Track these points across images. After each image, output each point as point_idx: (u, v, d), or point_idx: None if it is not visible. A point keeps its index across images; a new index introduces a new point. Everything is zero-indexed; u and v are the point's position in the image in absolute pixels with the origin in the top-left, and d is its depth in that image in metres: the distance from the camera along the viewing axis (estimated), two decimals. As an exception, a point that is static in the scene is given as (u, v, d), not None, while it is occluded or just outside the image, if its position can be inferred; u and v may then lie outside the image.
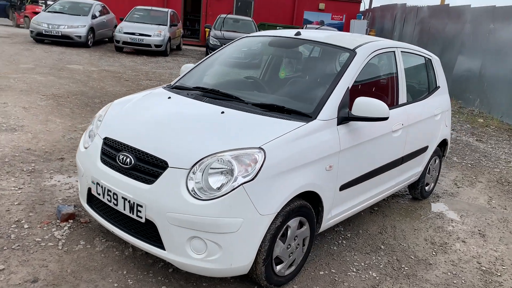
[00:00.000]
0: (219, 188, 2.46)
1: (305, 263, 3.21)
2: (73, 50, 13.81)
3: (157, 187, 2.55)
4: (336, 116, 3.05)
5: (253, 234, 2.52)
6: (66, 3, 15.85)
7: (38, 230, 3.27)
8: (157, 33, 14.65)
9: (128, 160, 2.71)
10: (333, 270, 3.21)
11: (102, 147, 2.94)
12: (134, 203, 2.62)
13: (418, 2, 17.56)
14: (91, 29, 14.99)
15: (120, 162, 2.75)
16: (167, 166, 2.56)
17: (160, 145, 2.69)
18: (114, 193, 2.72)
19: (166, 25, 15.48)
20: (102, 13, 16.27)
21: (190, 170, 2.51)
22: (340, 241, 3.66)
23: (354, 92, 3.64)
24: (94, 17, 15.37)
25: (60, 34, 14.18)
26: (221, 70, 3.85)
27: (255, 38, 4.07)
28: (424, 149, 4.36)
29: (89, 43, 14.82)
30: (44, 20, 14.34)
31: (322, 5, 23.00)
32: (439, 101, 4.55)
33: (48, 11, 15.25)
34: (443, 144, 4.90)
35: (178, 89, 3.53)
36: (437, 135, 4.53)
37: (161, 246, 2.59)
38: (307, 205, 2.88)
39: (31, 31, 14.36)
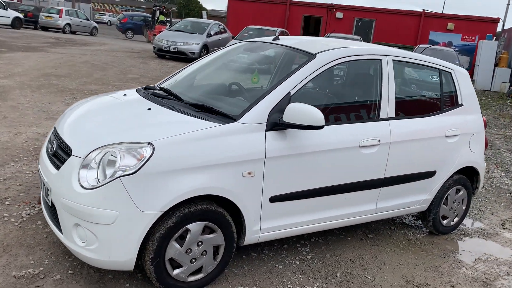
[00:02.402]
0: (99, 180, 2.50)
1: (233, 276, 3.04)
2: (185, 64, 15.02)
3: (60, 173, 2.69)
4: (266, 121, 2.85)
5: (131, 230, 2.49)
6: (188, 22, 17.38)
7: (14, 207, 3.65)
8: None
9: (52, 146, 2.91)
10: (255, 288, 2.97)
11: (50, 135, 3.19)
12: (46, 187, 2.80)
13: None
14: (205, 46, 16.14)
15: (48, 148, 2.96)
16: (71, 154, 2.68)
17: (75, 133, 2.83)
18: (41, 177, 2.94)
19: None
20: (218, 32, 17.41)
21: (84, 159, 2.59)
22: (293, 261, 3.36)
23: (311, 99, 3.38)
24: (209, 35, 16.55)
25: (176, 50, 15.58)
26: (196, 75, 3.85)
27: (240, 45, 4.00)
28: (429, 174, 3.78)
29: (201, 58, 15.96)
30: (164, 38, 15.91)
31: (451, 25, 21.30)
32: (459, 121, 3.90)
33: (171, 30, 16.90)
34: (470, 173, 4.18)
35: (150, 89, 3.64)
36: (451, 160, 3.88)
37: (61, 231, 2.71)
38: (218, 210, 2.74)
39: (154, 47, 16.07)
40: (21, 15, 23.92)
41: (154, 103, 3.10)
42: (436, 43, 20.95)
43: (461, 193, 4.13)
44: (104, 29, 37.21)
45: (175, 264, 2.73)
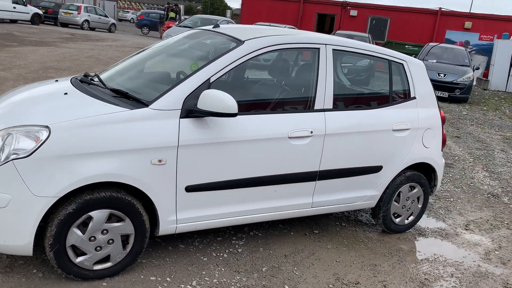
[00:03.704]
0: None
1: (151, 266, 2.98)
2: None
3: None
4: (181, 107, 2.77)
5: (24, 214, 2.45)
6: (198, 19, 17.42)
7: None
8: None
9: None
10: (168, 279, 2.90)
11: None
12: None
13: None
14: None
15: None
16: (-21, 137, 2.66)
17: None
18: None
19: None
20: (227, 28, 17.39)
21: None
22: (221, 254, 3.27)
23: (237, 87, 3.30)
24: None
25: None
26: (141, 62, 3.78)
27: (183, 33, 3.91)
28: (374, 169, 3.62)
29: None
30: (172, 33, 15.96)
31: (468, 24, 20.70)
32: (410, 115, 3.73)
33: (179, 26, 16.96)
34: (427, 170, 4.00)
35: (86, 76, 3.59)
36: (400, 156, 3.71)
37: None
38: (125, 198, 2.68)
39: (161, 43, 16.17)
40: (40, 12, 24.45)
41: (76, 89, 3.05)
42: (453, 43, 20.40)
43: (415, 190, 3.96)
44: (125, 26, 37.77)
45: (79, 252, 2.68)
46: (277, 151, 3.11)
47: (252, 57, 3.07)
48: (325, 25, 24.65)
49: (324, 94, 3.32)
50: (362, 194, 3.67)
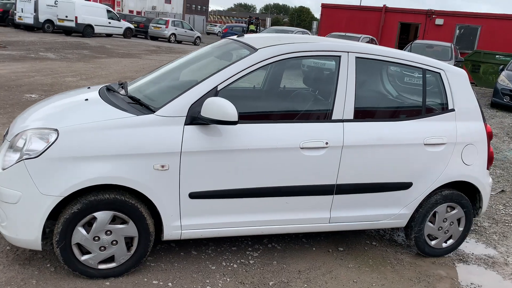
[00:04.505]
0: (10, 162, 2.67)
1: (156, 270, 3.03)
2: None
3: None
4: (186, 114, 2.81)
5: (33, 210, 2.62)
6: (273, 30, 17.57)
7: None
8: None
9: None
10: (170, 284, 2.91)
11: None
12: None
13: None
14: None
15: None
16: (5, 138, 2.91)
17: (21, 120, 3.03)
18: None
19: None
20: (302, 39, 17.34)
21: (9, 142, 2.79)
22: (232, 263, 3.23)
23: (247, 96, 3.26)
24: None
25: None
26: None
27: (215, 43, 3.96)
28: (403, 185, 3.36)
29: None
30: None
31: None
32: (446, 128, 3.41)
33: (255, 37, 17.27)
34: (470, 190, 3.63)
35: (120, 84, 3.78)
36: (433, 172, 3.41)
37: None
38: (129, 202, 2.76)
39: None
40: (132, 26, 26.31)
41: (99, 96, 3.21)
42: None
43: (455, 211, 3.60)
44: (211, 39, 39.26)
45: (85, 250, 2.80)
46: (287, 162, 3.01)
47: (265, 65, 3.02)
48: (409, 35, 23.64)
49: (344, 104, 3.16)
50: (389, 212, 3.42)
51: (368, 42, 16.45)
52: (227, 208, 2.99)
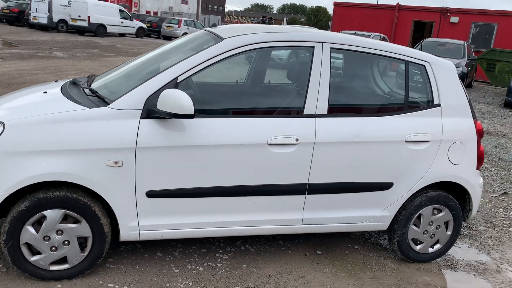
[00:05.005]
0: None
1: (115, 272, 2.87)
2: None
3: None
4: (142, 107, 2.64)
5: (-23, 207, 2.49)
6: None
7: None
8: None
9: None
10: (117, 286, 2.75)
11: None
12: None
13: None
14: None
15: None
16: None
17: None
18: None
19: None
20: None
21: None
22: (197, 267, 3.05)
23: (212, 89, 3.07)
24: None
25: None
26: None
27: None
28: (382, 186, 3.14)
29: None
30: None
31: None
32: (430, 125, 3.18)
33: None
34: (459, 191, 3.39)
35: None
36: (416, 172, 3.17)
37: None
38: (80, 200, 2.61)
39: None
40: (144, 26, 26.38)
41: (59, 89, 3.07)
42: None
43: (441, 214, 3.36)
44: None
45: (36, 251, 2.65)
46: (254, 159, 2.82)
47: (230, 56, 2.83)
48: (424, 33, 23.15)
49: (317, 98, 2.95)
50: (368, 214, 3.20)
51: (379, 40, 16.12)
52: (189, 208, 2.81)
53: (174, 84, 2.69)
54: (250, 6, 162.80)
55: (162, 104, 2.54)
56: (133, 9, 56.25)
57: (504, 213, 4.63)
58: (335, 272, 3.19)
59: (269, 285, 2.94)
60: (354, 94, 3.33)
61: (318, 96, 2.95)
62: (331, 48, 3.01)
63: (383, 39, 16.79)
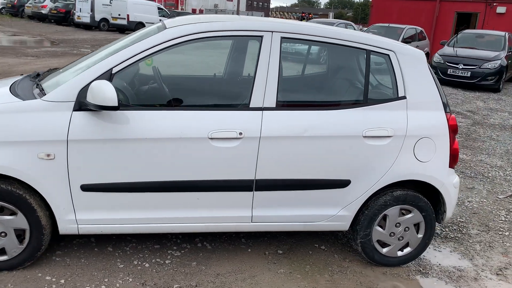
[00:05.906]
0: None
1: (58, 266, 2.87)
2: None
3: None
4: (75, 99, 2.61)
5: None
6: (314, 22, 17.06)
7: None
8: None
9: None
10: (62, 281, 2.73)
11: None
12: None
13: None
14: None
15: None
16: None
17: None
18: None
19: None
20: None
21: None
22: (144, 263, 2.99)
23: (146, 80, 2.99)
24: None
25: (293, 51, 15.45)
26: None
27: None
28: (338, 183, 2.94)
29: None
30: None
31: None
32: (393, 119, 2.94)
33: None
34: (432, 192, 3.13)
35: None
36: (377, 170, 2.95)
37: None
38: (15, 192, 2.61)
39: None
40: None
41: (10, 83, 3.09)
42: None
43: (410, 215, 3.11)
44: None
45: (-27, 242, 2.69)
46: (195, 154, 2.72)
47: (170, 46, 2.74)
48: (469, 25, 21.97)
49: (264, 90, 2.80)
50: (325, 212, 3.01)
51: (413, 34, 15.50)
52: (127, 203, 2.76)
53: (108, 76, 2.64)
54: (296, 2, 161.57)
55: (91, 96, 2.49)
56: (180, 7, 57.25)
57: (505, 216, 4.25)
58: (290, 273, 3.04)
59: (213, 284, 2.83)
60: (308, 87, 3.15)
61: (265, 88, 2.80)
62: (282, 38, 2.85)
63: (421, 32, 16.10)
